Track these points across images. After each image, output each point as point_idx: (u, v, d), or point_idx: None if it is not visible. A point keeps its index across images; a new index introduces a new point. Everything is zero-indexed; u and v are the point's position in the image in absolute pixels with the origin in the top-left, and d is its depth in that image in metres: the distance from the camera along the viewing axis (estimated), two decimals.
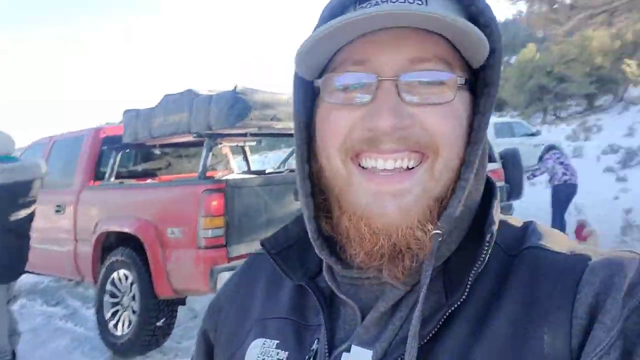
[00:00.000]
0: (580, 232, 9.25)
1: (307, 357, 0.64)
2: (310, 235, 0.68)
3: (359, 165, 0.62)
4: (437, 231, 0.60)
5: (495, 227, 0.61)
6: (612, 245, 9.07)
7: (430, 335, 0.57)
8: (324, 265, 0.69)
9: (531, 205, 10.04)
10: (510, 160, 9.13)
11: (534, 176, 9.49)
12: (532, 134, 16.44)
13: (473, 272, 0.58)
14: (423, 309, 0.59)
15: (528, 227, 0.67)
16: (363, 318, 0.64)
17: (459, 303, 0.58)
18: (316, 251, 0.68)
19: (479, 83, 0.66)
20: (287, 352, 0.66)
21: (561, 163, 8.96)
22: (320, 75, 0.66)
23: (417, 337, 0.55)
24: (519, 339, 0.54)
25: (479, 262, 0.59)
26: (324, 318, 0.65)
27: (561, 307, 0.55)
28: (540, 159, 9.24)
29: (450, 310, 0.57)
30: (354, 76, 0.61)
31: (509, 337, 0.55)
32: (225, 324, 0.78)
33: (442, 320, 0.57)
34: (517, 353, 0.54)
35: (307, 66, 0.65)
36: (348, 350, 0.62)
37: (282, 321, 0.70)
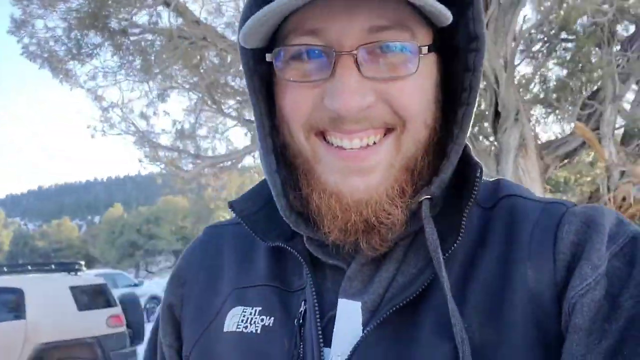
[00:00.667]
0: None
1: (295, 319, 0.61)
2: (281, 212, 0.65)
3: (325, 139, 0.60)
4: (427, 197, 0.60)
5: (482, 165, 0.61)
6: None
7: (430, 280, 0.58)
8: (305, 238, 0.66)
9: None
10: (130, 305, 9.10)
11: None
12: (135, 285, 16.71)
13: (466, 210, 0.59)
14: (416, 260, 0.61)
15: (500, 181, 0.68)
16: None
17: (454, 246, 0.58)
18: (292, 227, 0.65)
19: (459, 37, 0.61)
20: (272, 318, 0.63)
21: None
22: (269, 46, 0.60)
23: (448, 287, 0.55)
24: (506, 276, 0.56)
25: (471, 200, 0.59)
26: (310, 278, 0.62)
27: (543, 244, 0.57)
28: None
29: (447, 254, 0.58)
30: (308, 50, 0.57)
31: (496, 275, 0.57)
32: (191, 297, 0.72)
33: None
34: (505, 289, 0.56)
35: (251, 36, 0.58)
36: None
37: (263, 288, 0.66)
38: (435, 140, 0.62)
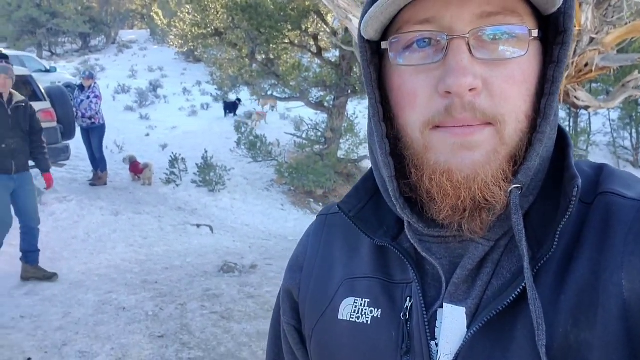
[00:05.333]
0: (137, 166, 9.88)
1: (401, 314, 0.66)
2: (392, 195, 0.67)
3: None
4: (517, 185, 0.61)
5: (580, 181, 0.60)
6: (164, 176, 10.13)
7: (521, 288, 0.58)
8: (406, 224, 0.69)
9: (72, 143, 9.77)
10: (59, 100, 8.72)
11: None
12: (47, 71, 15.53)
13: (561, 226, 0.59)
14: (510, 264, 0.63)
15: (602, 171, 0.67)
16: (446, 275, 0.66)
17: (548, 256, 0.59)
18: (397, 210, 0.68)
19: (550, 29, 0.64)
20: (380, 310, 0.69)
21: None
22: (384, 36, 0.65)
23: (534, 288, 0.57)
24: (600, 286, 0.56)
25: (567, 216, 0.59)
26: (416, 278, 0.66)
27: (635, 252, 0.56)
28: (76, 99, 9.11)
29: (540, 264, 0.59)
30: (423, 36, 0.60)
31: (590, 285, 0.56)
32: (308, 282, 0.79)
33: (534, 273, 0.58)
34: (599, 295, 0.56)
35: (370, 26, 0.63)
36: (441, 306, 0.65)
37: (369, 280, 0.72)
38: (530, 132, 0.63)
